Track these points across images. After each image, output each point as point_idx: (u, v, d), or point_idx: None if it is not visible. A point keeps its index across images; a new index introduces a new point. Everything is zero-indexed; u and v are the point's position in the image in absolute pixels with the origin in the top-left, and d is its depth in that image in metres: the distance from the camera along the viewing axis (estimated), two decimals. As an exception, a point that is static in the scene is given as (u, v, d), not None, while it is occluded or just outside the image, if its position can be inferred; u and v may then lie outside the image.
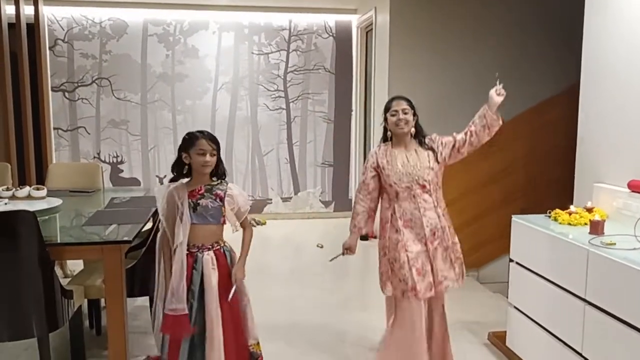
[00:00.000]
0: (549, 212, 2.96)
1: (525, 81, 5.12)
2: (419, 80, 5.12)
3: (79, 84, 6.39)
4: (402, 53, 5.17)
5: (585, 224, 2.72)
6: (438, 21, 5.16)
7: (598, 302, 2.36)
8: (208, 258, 2.49)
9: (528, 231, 2.90)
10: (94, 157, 6.52)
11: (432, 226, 2.78)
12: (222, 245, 2.57)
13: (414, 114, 2.85)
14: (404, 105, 2.82)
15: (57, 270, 4.45)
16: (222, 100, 6.67)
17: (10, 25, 5.50)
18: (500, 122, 2.81)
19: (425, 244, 2.76)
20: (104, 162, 6.52)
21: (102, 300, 3.38)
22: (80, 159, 6.47)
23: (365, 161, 2.96)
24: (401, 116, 2.80)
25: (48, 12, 6.21)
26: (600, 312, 2.34)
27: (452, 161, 2.88)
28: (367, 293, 4.34)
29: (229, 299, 2.50)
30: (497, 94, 2.80)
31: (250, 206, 2.69)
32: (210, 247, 2.52)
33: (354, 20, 6.67)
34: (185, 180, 2.54)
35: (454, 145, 2.84)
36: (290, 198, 6.96)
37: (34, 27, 5.76)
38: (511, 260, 3.10)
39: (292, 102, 6.79)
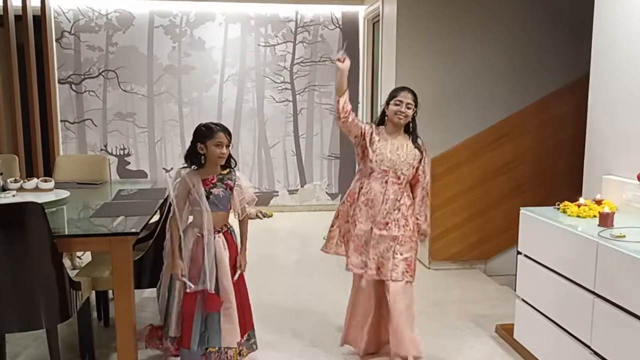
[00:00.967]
0: (558, 204, 2.94)
1: (533, 73, 5.09)
2: (426, 71, 5.09)
3: (86, 76, 6.39)
4: (409, 44, 5.14)
5: (595, 216, 2.70)
6: (445, 12, 5.12)
7: (607, 295, 2.35)
8: (219, 240, 2.71)
9: (536, 223, 2.89)
10: (101, 150, 6.53)
11: (387, 215, 2.87)
12: (229, 227, 2.80)
13: (415, 111, 2.90)
14: (410, 100, 2.88)
15: (66, 262, 4.50)
16: (228, 92, 6.66)
17: (17, 17, 5.51)
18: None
19: (375, 227, 2.88)
20: (111, 154, 6.54)
21: (110, 292, 3.40)
22: (87, 152, 6.48)
23: (363, 122, 2.99)
24: (403, 109, 2.88)
25: (54, 4, 6.21)
26: (610, 305, 2.33)
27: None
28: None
29: (235, 279, 2.75)
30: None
31: (257, 198, 2.91)
32: (220, 230, 2.73)
33: (361, 11, 6.63)
34: (195, 168, 2.70)
35: (416, 171, 2.94)
36: (297, 190, 6.96)
37: (40, 19, 5.77)
38: (519, 253, 3.09)
39: (299, 94, 6.77)
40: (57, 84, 6.26)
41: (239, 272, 2.77)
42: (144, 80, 6.51)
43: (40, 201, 2.56)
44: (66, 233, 2.73)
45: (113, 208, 3.22)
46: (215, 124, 2.67)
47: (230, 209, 2.76)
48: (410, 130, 2.95)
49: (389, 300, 2.89)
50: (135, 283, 2.78)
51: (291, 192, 6.95)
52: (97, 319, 3.54)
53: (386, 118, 2.93)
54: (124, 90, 6.48)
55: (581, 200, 2.89)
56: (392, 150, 2.88)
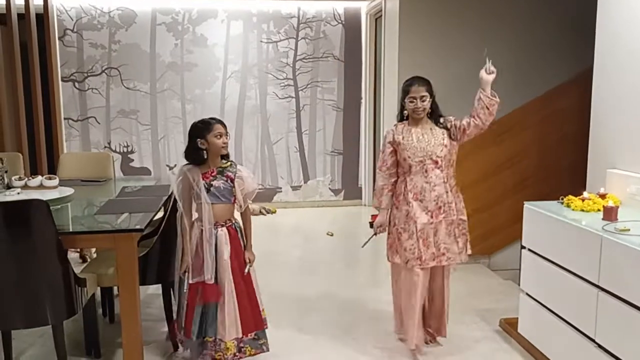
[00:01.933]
0: (562, 199, 2.94)
1: (536, 68, 5.08)
2: (428, 67, 5.08)
3: (89, 74, 6.40)
4: (412, 40, 5.13)
5: (599, 210, 2.70)
6: (447, 8, 5.11)
7: (611, 289, 2.35)
8: (222, 234, 2.73)
9: (540, 218, 2.88)
10: (105, 147, 6.54)
11: (440, 200, 2.92)
12: (234, 222, 2.81)
13: (432, 97, 2.95)
14: (423, 92, 2.92)
15: (75, 254, 4.53)
16: (231, 89, 6.66)
17: (20, 15, 5.52)
18: (497, 100, 2.92)
19: (432, 217, 2.91)
20: (115, 151, 6.55)
21: (115, 288, 3.41)
22: (91, 149, 6.50)
23: (383, 138, 3.10)
24: (419, 104, 2.92)
25: (57, 2, 6.21)
26: (614, 299, 2.33)
27: (462, 141, 3.02)
28: (377, 281, 4.34)
29: (245, 273, 2.79)
30: (487, 73, 2.91)
31: (260, 194, 2.88)
32: (224, 224, 2.75)
33: (363, 7, 6.62)
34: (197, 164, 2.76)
35: (462, 128, 2.95)
36: (300, 186, 6.96)
37: (43, 18, 5.77)
38: (523, 247, 3.08)
39: (302, 90, 6.77)
40: (60, 82, 6.27)
41: (248, 266, 2.80)
42: (147, 77, 6.51)
43: (44, 198, 2.57)
44: (71, 230, 2.74)
45: (117, 205, 3.23)
46: (210, 118, 2.76)
47: (234, 202, 2.78)
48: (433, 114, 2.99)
49: (441, 284, 3.05)
50: (140, 279, 2.80)
51: (294, 188, 6.96)
52: (103, 316, 3.55)
53: (405, 112, 2.98)
54: (127, 88, 6.49)
55: (585, 194, 2.88)
56: (420, 139, 2.92)
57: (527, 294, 3.07)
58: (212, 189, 2.70)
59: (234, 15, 6.54)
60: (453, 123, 2.97)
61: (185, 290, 2.74)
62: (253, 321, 2.82)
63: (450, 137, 2.95)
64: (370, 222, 3.16)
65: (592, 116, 3.25)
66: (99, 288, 3.10)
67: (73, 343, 3.19)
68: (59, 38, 6.27)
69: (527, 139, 4.72)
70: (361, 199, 7.01)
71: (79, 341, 3.16)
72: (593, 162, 3.23)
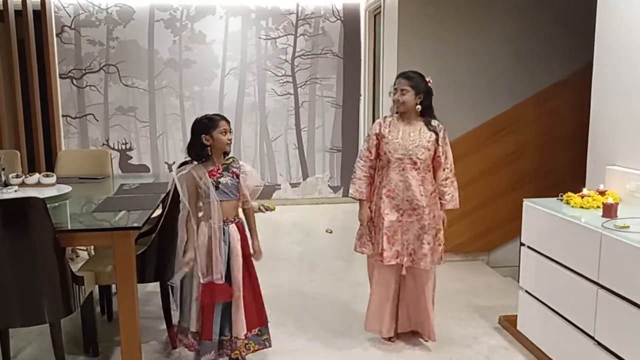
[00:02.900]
0: (561, 195, 2.93)
1: (535, 64, 5.05)
2: (428, 64, 5.04)
3: (87, 71, 6.38)
4: (411, 36, 5.11)
5: (598, 207, 2.69)
6: (448, 4, 5.08)
7: (611, 286, 2.34)
8: (233, 230, 2.73)
9: (540, 214, 2.88)
10: (103, 144, 6.53)
11: (412, 201, 2.89)
12: (240, 218, 2.81)
13: (418, 94, 2.88)
14: (403, 85, 2.90)
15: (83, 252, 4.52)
16: (229, 85, 6.65)
17: (17, 12, 5.50)
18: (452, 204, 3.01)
19: (402, 215, 2.90)
20: (113, 149, 6.53)
21: (114, 286, 3.40)
22: (89, 146, 6.48)
23: (370, 128, 3.07)
24: (396, 96, 2.90)
25: (54, -1, 6.20)
26: (613, 296, 2.33)
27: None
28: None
29: (257, 260, 2.85)
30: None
31: (263, 181, 2.88)
32: (232, 220, 2.75)
33: (362, 4, 6.60)
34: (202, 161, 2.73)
35: (437, 159, 2.96)
36: (299, 184, 6.95)
37: (40, 14, 5.75)
38: (522, 244, 3.08)
39: (300, 87, 6.75)
40: (58, 79, 6.24)
41: (258, 257, 2.84)
42: (145, 74, 6.49)
43: (42, 196, 2.56)
44: (69, 228, 2.73)
45: (115, 202, 3.21)
46: (214, 114, 2.73)
47: (240, 198, 2.77)
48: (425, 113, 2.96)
49: (419, 287, 3.02)
50: (138, 277, 2.78)
51: (293, 185, 6.95)
52: (101, 313, 3.55)
53: None
54: (125, 85, 6.47)
55: (584, 191, 2.87)
56: (404, 137, 2.89)
57: (526, 291, 3.07)
58: (220, 186, 2.68)
59: (233, 12, 6.52)
60: (443, 134, 2.95)
61: (196, 293, 2.71)
62: (257, 316, 2.83)
63: (436, 142, 2.93)
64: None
65: (591, 113, 3.24)
66: (97, 286, 3.09)
67: (71, 341, 3.18)
68: (57, 35, 6.24)
69: (527, 135, 4.71)
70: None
71: (77, 339, 3.16)
72: (592, 158, 3.23)
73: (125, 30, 6.37)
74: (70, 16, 6.27)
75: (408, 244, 2.94)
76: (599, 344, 2.44)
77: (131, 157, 6.61)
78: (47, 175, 3.54)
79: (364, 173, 3.01)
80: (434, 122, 2.95)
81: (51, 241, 2.48)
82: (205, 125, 2.68)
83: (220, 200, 2.67)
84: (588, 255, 2.46)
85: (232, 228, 2.72)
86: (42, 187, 3.41)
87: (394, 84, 2.94)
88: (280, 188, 6.92)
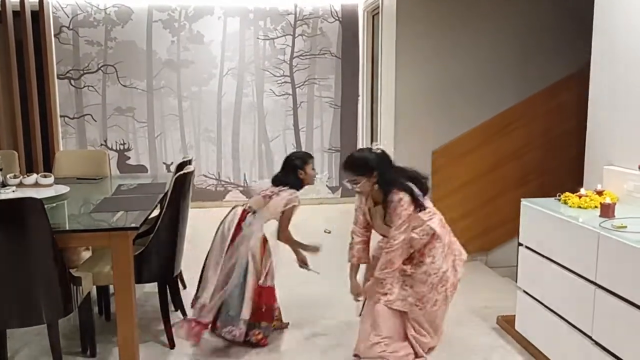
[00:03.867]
0: (559, 195, 2.93)
1: (539, 62, 5.03)
2: (426, 64, 5.05)
3: (85, 72, 6.38)
4: (409, 37, 5.10)
5: (596, 207, 2.69)
6: (446, 3, 5.08)
7: (608, 286, 2.34)
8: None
9: (538, 214, 2.88)
10: (101, 145, 6.52)
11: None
12: None
13: (371, 175, 2.85)
14: (352, 176, 2.90)
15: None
16: (228, 86, 6.64)
17: (15, 13, 5.50)
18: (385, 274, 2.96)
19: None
20: (111, 149, 6.53)
21: (111, 287, 3.39)
22: (87, 147, 6.47)
23: (356, 200, 3.14)
24: (353, 188, 2.95)
25: (52, 0, 6.18)
26: (611, 296, 2.33)
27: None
28: (375, 278, 4.33)
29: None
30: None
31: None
32: None
33: (360, 4, 6.60)
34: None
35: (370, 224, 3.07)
36: (298, 184, 6.94)
37: (38, 15, 5.75)
38: (520, 244, 3.08)
39: (298, 87, 6.75)
40: (56, 80, 6.24)
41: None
42: (143, 74, 6.49)
43: (39, 197, 2.56)
44: (66, 228, 2.73)
45: (113, 203, 3.21)
46: (304, 152, 3.38)
47: None
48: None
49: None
50: (136, 278, 2.79)
51: (292, 185, 6.93)
52: (98, 314, 3.54)
53: None
54: (123, 85, 6.47)
55: (582, 191, 2.87)
56: (382, 217, 2.94)
57: (524, 291, 3.07)
58: None
59: (231, 12, 6.52)
60: (392, 207, 2.81)
61: (250, 288, 3.03)
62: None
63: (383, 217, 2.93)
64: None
65: (589, 112, 3.24)
66: (94, 286, 3.09)
67: (69, 342, 3.17)
68: (55, 35, 6.23)
69: (527, 134, 4.70)
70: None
71: (75, 340, 3.15)
72: (590, 158, 3.23)
73: (124, 31, 6.36)
74: (68, 17, 6.26)
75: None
76: (597, 343, 2.44)
77: (129, 158, 6.61)
78: (45, 176, 3.54)
79: (359, 238, 3.14)
80: (389, 197, 2.82)
81: (48, 242, 2.48)
82: (301, 162, 3.30)
83: None
84: (586, 255, 2.46)
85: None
86: (40, 188, 3.41)
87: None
88: (278, 188, 6.90)
